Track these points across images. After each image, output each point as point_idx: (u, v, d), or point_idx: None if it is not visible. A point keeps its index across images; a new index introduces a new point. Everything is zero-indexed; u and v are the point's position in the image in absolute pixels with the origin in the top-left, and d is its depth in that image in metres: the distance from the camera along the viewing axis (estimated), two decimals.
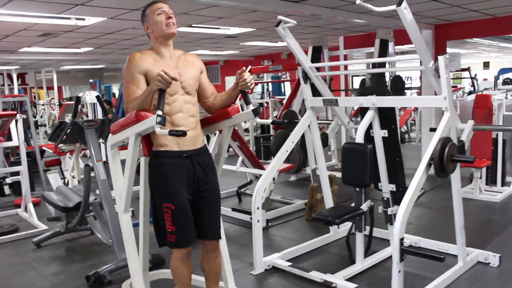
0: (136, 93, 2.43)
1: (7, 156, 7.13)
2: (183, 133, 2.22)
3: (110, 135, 2.69)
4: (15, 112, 5.34)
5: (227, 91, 2.73)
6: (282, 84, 13.97)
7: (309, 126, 4.26)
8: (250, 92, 2.73)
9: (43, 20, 5.44)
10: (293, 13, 5.37)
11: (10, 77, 12.27)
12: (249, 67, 2.47)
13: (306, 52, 7.19)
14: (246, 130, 11.40)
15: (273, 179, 5.12)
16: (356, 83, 12.02)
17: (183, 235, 2.50)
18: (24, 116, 5.61)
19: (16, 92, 11.47)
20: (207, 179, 2.61)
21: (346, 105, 4.23)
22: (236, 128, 5.31)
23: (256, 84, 12.67)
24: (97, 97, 5.74)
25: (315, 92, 4.29)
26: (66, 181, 6.51)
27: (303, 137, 5.29)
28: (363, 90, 3.78)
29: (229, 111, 2.70)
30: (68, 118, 7.34)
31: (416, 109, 11.11)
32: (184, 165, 2.53)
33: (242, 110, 2.69)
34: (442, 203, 5.62)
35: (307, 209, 5.33)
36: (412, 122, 12.29)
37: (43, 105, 13.81)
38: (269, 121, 2.82)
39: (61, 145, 5.53)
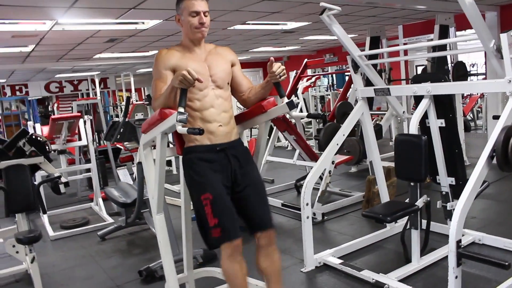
0: (163, 90, 2.25)
1: (85, 154, 7.27)
2: (200, 131, 1.95)
3: (142, 134, 2.48)
4: (78, 113, 5.37)
5: (260, 84, 2.47)
6: (345, 76, 13.44)
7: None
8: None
9: (105, 27, 5.45)
10: (347, 2, 5.01)
11: (93, 81, 12.67)
12: (271, 58, 2.19)
13: (363, 44, 6.74)
14: (309, 123, 11.06)
15: (329, 172, 4.85)
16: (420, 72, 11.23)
17: (227, 225, 2.21)
18: (91, 117, 5.63)
19: (98, 95, 11.80)
20: (244, 170, 2.37)
21: (399, 94, 3.81)
22: (291, 120, 5.10)
23: (318, 77, 12.24)
24: (148, 96, 5.64)
25: (369, 83, 3.90)
26: (134, 177, 6.50)
27: (362, 130, 4.88)
28: (417, 77, 3.31)
29: (263, 105, 2.45)
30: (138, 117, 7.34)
31: (482, 95, 10.17)
32: (218, 159, 2.31)
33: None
34: (511, 194, 4.95)
35: (364, 202, 4.91)
36: (479, 109, 11.30)
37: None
38: (305, 114, 2.47)
39: (127, 143, 5.48)
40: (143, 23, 5.60)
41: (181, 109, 2.02)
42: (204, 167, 2.28)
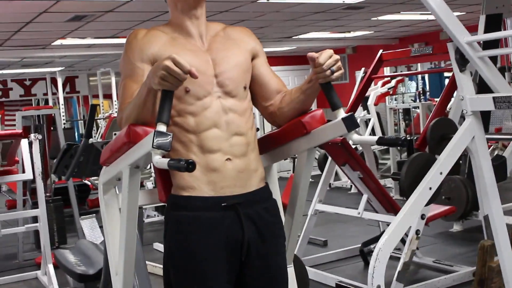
0: (135, 94, 2.18)
1: (34, 193, 7.23)
2: (188, 166, 1.80)
3: (103, 168, 2.45)
4: (19, 131, 5.32)
5: (300, 87, 2.38)
6: (443, 78, 13.27)
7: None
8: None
9: None
10: None
11: (54, 82, 12.84)
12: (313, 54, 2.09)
13: (474, 28, 6.56)
14: (386, 151, 10.83)
15: (417, 232, 4.68)
16: None
17: None
18: (40, 137, 5.60)
19: (61, 101, 11.92)
20: (263, 249, 2.28)
21: None
22: (355, 147, 4.95)
23: (401, 80, 12.05)
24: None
25: (485, 87, 3.79)
26: None
27: (471, 164, 4.75)
28: None
29: (304, 123, 2.35)
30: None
31: None
32: (222, 224, 2.23)
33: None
34: None
35: (475, 284, 4.70)
36: None
37: (104, 119, 14.24)
38: (374, 138, 2.29)
39: (93, 178, 5.45)
40: None
41: (161, 127, 1.93)
42: (197, 243, 2.21)
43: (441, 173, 3.64)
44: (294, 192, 2.54)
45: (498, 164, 5.77)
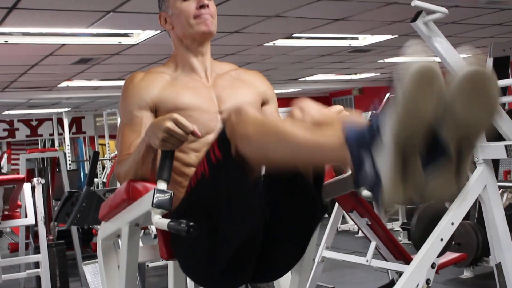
0: (134, 145, 2.12)
1: (36, 236, 7.15)
2: (189, 230, 1.72)
3: (101, 223, 2.37)
4: (21, 176, 5.27)
5: None
6: None
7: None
8: None
9: (72, 39, 5.57)
10: (457, 2, 5.05)
11: (60, 122, 12.84)
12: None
13: None
14: None
15: (427, 281, 4.60)
16: None
17: None
18: (43, 181, 5.56)
19: (67, 142, 11.88)
20: None
21: None
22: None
23: None
24: None
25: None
26: None
27: (481, 209, 4.80)
28: None
29: None
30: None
31: None
32: None
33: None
34: None
35: None
36: None
37: (110, 159, 14.15)
38: None
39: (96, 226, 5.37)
40: (131, 34, 5.66)
41: (162, 184, 1.88)
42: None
43: (452, 224, 3.58)
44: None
45: (510, 213, 5.68)
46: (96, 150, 15.77)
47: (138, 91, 2.20)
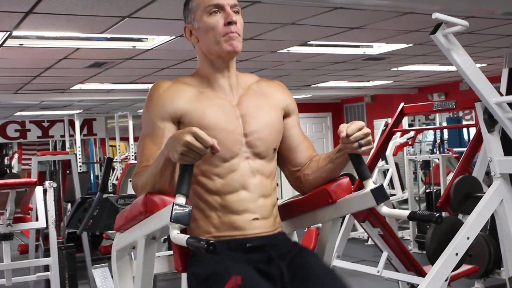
0: (154, 157, 2.10)
1: (46, 239, 7.16)
2: (209, 248, 1.70)
3: (116, 234, 2.36)
4: (34, 180, 5.27)
5: (328, 154, 2.31)
6: (464, 128, 13.14)
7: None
8: (367, 153, 2.31)
9: (86, 44, 5.57)
10: (473, 12, 4.95)
11: (72, 124, 12.86)
12: (340, 127, 2.04)
13: (498, 78, 6.45)
14: (404, 201, 10.65)
15: None
16: None
17: None
18: (55, 185, 5.56)
19: (78, 144, 11.91)
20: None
21: None
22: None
23: (420, 130, 11.92)
24: None
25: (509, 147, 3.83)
26: None
27: (493, 220, 4.70)
28: None
29: (330, 191, 2.29)
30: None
31: None
32: (250, 260, 2.17)
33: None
34: None
35: None
36: None
37: (120, 162, 14.11)
38: (405, 213, 2.16)
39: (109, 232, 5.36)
40: (145, 39, 5.67)
41: (181, 199, 1.86)
42: (219, 257, 2.11)
43: (468, 238, 3.59)
44: None
45: None
46: (107, 152, 15.83)
47: (163, 101, 2.18)
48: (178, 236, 1.82)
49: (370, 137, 2.07)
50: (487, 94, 3.45)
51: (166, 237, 2.28)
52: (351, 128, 2.04)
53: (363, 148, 2.06)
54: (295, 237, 2.57)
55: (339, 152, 2.19)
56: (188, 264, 2.21)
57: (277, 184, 2.36)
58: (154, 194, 2.01)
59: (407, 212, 2.12)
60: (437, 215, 1.98)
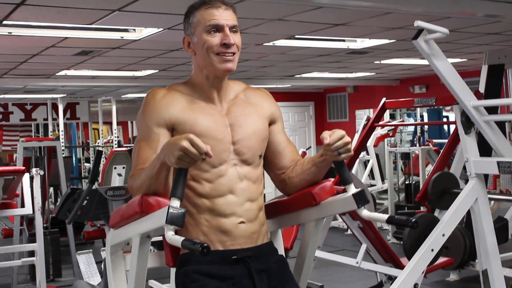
0: (149, 160, 2.17)
1: (30, 224, 7.18)
2: (203, 250, 1.80)
3: (110, 229, 2.41)
4: (22, 168, 5.30)
5: (312, 158, 2.39)
6: (442, 117, 13.27)
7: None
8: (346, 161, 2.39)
9: (74, 33, 5.53)
10: (455, 14, 4.96)
11: (55, 108, 12.77)
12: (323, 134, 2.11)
13: (474, 73, 6.53)
14: (384, 192, 10.77)
15: (415, 286, 4.63)
16: None
17: None
18: (42, 172, 5.57)
19: (61, 127, 11.87)
20: None
21: None
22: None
23: (401, 125, 12.03)
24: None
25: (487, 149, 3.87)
26: (102, 267, 6.36)
27: (469, 214, 4.58)
28: None
29: (314, 194, 2.36)
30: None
31: None
32: (234, 275, 2.26)
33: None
34: None
35: None
36: None
37: (103, 146, 14.02)
38: (384, 216, 2.28)
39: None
40: (133, 30, 5.66)
41: (175, 202, 1.94)
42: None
43: (443, 235, 3.63)
44: (300, 260, 2.53)
45: (500, 226, 5.73)
46: (90, 135, 15.75)
47: (159, 108, 2.25)
48: (173, 237, 1.89)
49: (349, 146, 2.17)
50: (464, 97, 3.49)
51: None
52: (333, 138, 2.14)
53: (343, 156, 2.16)
54: (279, 236, 2.60)
55: (321, 157, 2.27)
56: (178, 281, 2.28)
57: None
58: (149, 195, 2.07)
59: (385, 216, 2.22)
60: (413, 220, 2.09)
